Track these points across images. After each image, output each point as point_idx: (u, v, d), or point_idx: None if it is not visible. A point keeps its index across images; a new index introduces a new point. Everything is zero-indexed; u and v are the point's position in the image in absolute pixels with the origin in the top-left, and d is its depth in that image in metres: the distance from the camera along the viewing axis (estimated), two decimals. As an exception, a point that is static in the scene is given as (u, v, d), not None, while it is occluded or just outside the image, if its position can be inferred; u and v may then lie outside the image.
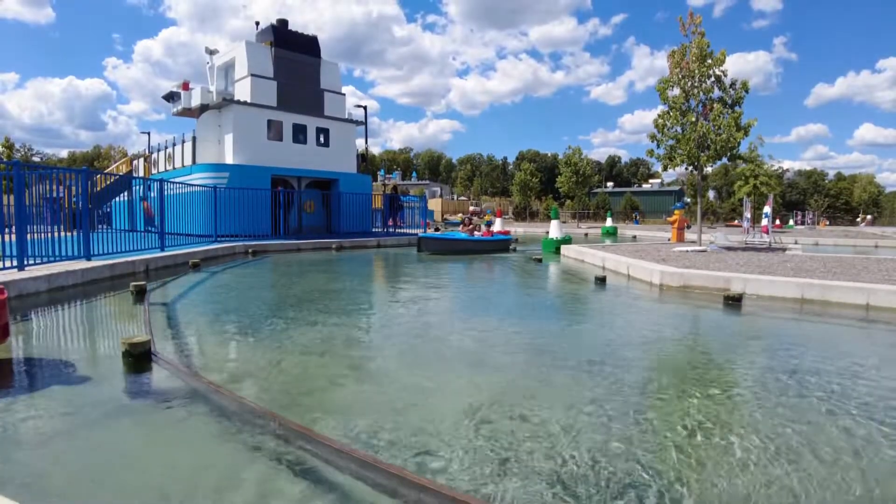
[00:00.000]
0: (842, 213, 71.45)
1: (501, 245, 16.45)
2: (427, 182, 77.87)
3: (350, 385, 3.77)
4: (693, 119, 13.22)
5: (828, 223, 54.26)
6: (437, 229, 27.77)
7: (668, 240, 19.93)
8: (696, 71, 13.06)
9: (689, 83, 13.27)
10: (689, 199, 50.77)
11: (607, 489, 2.30)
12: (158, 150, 23.47)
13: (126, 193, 20.21)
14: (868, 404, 3.36)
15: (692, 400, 3.42)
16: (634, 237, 27.05)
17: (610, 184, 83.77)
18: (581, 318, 6.67)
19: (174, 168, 21.10)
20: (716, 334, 5.72)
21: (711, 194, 79.21)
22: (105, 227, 16.49)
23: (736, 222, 46.83)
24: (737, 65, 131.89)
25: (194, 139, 20.22)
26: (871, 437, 2.86)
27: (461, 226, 18.62)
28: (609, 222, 34.45)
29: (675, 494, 2.27)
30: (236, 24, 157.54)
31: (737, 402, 3.46)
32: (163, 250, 11.61)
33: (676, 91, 13.53)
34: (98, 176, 16.06)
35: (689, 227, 21.13)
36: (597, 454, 2.62)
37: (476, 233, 16.61)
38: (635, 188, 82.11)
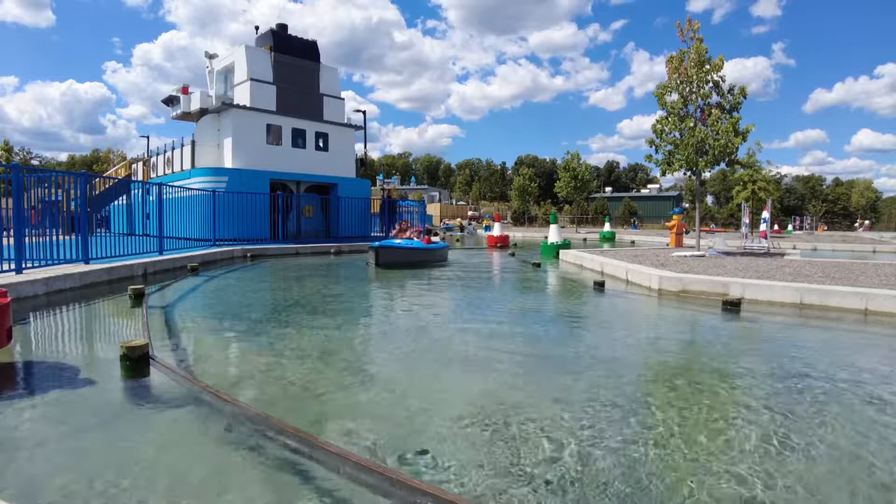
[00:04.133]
0: (840, 219, 71.66)
1: (443, 254, 14.38)
2: (426, 187, 78.00)
3: (349, 389, 3.76)
4: (691, 124, 13.24)
5: (826, 228, 54.41)
6: (435, 234, 27.54)
7: (667, 245, 19.96)
8: (695, 76, 13.10)
9: (688, 89, 13.30)
10: (687, 205, 50.90)
11: (608, 493, 2.30)
12: (157, 154, 23.49)
13: (125, 197, 20.24)
14: (868, 408, 3.36)
15: (691, 404, 3.41)
16: (633, 242, 27.09)
17: (608, 189, 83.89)
18: (580, 322, 6.66)
19: (173, 172, 21.12)
20: (714, 339, 5.71)
21: (710, 199, 79.42)
22: (103, 230, 16.50)
23: (710, 227, 46.96)
24: (736, 70, 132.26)
25: (193, 143, 20.25)
26: (872, 440, 2.86)
27: (394, 231, 15.11)
28: (607, 227, 34.51)
29: (675, 497, 2.27)
30: (236, 28, 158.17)
31: (735, 406, 3.46)
32: (161, 254, 11.60)
33: (675, 96, 13.56)
34: (97, 180, 16.05)
35: (687, 232, 21.17)
36: (597, 458, 2.61)
37: (415, 239, 13.94)
38: (634, 193, 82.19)
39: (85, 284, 8.09)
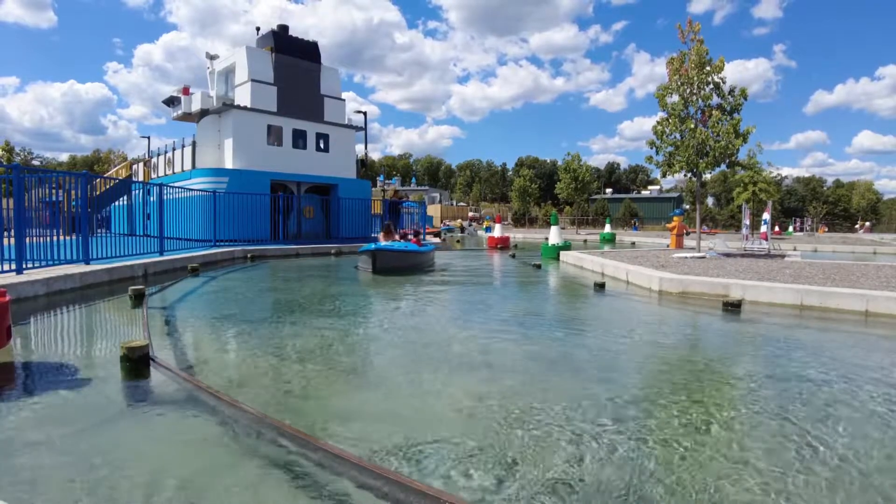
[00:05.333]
0: (840, 220, 71.63)
1: (432, 257, 13.36)
2: (426, 188, 78.02)
3: (349, 390, 3.76)
4: (692, 126, 13.24)
5: (826, 230, 54.37)
6: (437, 235, 27.40)
7: (667, 246, 19.95)
8: (695, 78, 13.10)
9: (688, 90, 13.30)
10: (687, 206, 50.86)
11: (610, 496, 2.29)
12: (158, 155, 23.51)
13: (126, 198, 20.25)
14: (868, 410, 3.35)
15: (692, 407, 3.41)
16: (633, 243, 27.08)
17: (609, 190, 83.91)
18: (580, 324, 6.66)
19: (174, 172, 21.13)
20: (715, 341, 5.71)
21: (710, 201, 79.41)
22: (104, 231, 16.52)
23: (703, 229, 46.83)
24: (737, 72, 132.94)
25: (194, 144, 20.25)
26: (872, 443, 2.86)
27: (381, 234, 13.12)
28: (608, 228, 34.52)
29: (677, 499, 2.26)
30: (237, 29, 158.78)
31: (737, 408, 3.45)
32: (162, 255, 11.60)
33: (675, 98, 13.56)
34: (98, 180, 16.06)
35: (687, 233, 21.16)
36: (597, 461, 2.61)
37: (402, 241, 12.63)
38: (634, 195, 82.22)
39: (85, 285, 8.10)
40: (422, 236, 14.59)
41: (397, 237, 12.98)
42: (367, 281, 10.33)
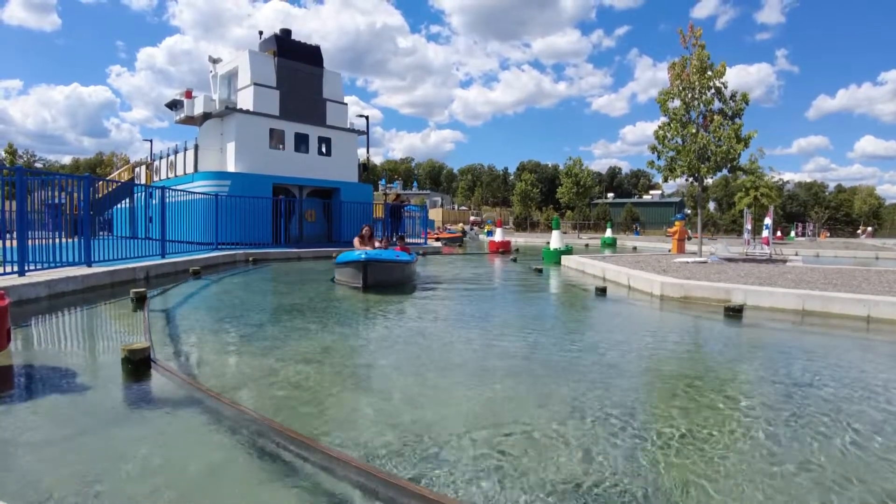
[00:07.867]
0: (842, 225, 71.45)
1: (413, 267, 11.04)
2: (428, 192, 78.12)
3: (350, 394, 3.75)
4: (693, 130, 13.25)
5: (828, 235, 54.25)
6: (463, 234, 26.90)
7: (669, 251, 19.92)
8: (697, 83, 13.12)
9: (690, 95, 13.32)
10: (689, 211, 50.81)
11: (610, 500, 2.29)
12: (160, 158, 23.57)
13: (127, 200, 20.31)
14: (870, 417, 3.34)
15: (694, 412, 3.40)
16: (635, 248, 27.05)
17: (611, 195, 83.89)
18: (582, 328, 6.65)
19: (176, 175, 21.18)
20: (717, 346, 5.69)
21: (712, 206, 79.34)
22: (106, 233, 16.55)
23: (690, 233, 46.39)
24: (739, 77, 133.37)
25: (196, 147, 20.31)
26: (873, 451, 2.84)
27: (357, 240, 10.71)
28: (609, 233, 34.51)
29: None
30: (240, 32, 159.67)
31: (738, 414, 3.44)
32: (163, 257, 11.62)
33: (677, 103, 13.58)
34: (100, 183, 16.12)
35: (689, 238, 21.13)
36: (599, 465, 2.60)
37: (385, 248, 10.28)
38: (636, 199, 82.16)
39: (87, 287, 8.11)
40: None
41: (378, 244, 10.63)
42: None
